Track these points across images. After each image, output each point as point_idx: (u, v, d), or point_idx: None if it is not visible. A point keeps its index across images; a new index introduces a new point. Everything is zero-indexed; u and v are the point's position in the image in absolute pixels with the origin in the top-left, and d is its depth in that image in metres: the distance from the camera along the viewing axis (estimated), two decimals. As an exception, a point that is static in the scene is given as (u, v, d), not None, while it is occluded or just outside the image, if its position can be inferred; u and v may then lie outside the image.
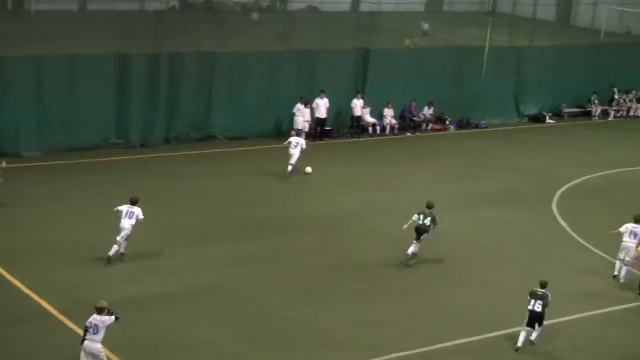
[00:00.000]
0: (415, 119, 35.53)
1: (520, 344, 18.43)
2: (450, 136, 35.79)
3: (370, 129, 34.64)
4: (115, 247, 20.67)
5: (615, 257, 22.47)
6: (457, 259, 22.85)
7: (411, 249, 22.19)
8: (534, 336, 18.61)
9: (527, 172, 31.00)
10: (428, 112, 35.87)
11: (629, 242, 22.07)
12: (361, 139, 34.03)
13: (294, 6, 45.74)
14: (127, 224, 20.65)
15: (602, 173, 31.50)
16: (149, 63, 30.27)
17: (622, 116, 40.64)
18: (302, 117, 32.48)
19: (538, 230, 25.49)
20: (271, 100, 32.60)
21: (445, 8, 40.74)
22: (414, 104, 35.41)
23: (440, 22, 39.16)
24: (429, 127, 35.97)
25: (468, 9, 41.25)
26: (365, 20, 37.64)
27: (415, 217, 22.19)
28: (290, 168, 28.10)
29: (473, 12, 40.74)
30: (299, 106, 32.39)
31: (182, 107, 31.19)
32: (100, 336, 15.50)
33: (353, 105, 34.07)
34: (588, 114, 39.97)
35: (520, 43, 38.93)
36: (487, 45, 37.63)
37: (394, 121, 34.98)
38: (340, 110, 34.27)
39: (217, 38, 35.81)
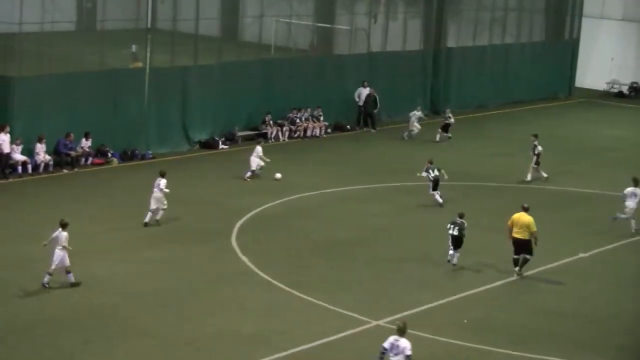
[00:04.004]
0: (72, 153, 35.54)
1: (453, 260, 27.39)
2: (113, 170, 36.16)
3: (20, 168, 34.20)
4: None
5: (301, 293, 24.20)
6: (122, 308, 23.37)
7: None
8: (455, 260, 27.28)
9: (202, 205, 32.07)
10: (86, 144, 36.02)
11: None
12: (9, 180, 33.52)
13: None
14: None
15: (280, 200, 33.30)
16: None
17: (298, 136, 43.01)
18: None
19: (218, 268, 26.60)
20: None
21: (99, 26, 40.92)
22: (70, 136, 35.40)
23: (94, 41, 39.30)
24: (89, 162, 36.14)
25: (124, 26, 41.73)
26: (3, 43, 37.04)
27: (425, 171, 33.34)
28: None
29: (129, 30, 41.29)
30: None
31: None
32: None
33: (0, 142, 33.55)
34: (263, 136, 41.84)
35: (184, 62, 40.12)
36: (147, 66, 38.45)
37: (47, 157, 34.78)
38: (-17, 149, 33.59)
39: None
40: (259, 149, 35.88)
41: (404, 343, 18.17)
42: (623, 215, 31.79)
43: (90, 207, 31.19)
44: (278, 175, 35.84)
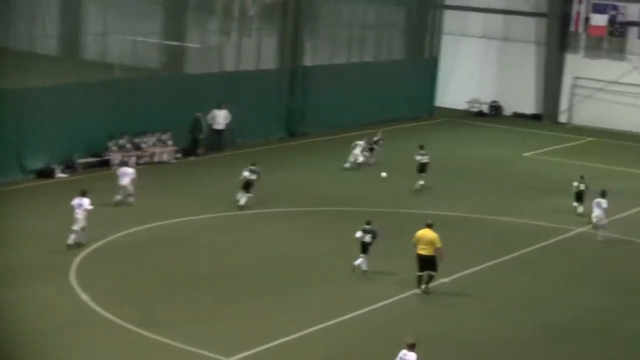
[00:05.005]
0: None
1: (356, 263, 28.68)
2: None
3: None
4: None
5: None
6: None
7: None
8: (364, 264, 28.69)
9: (36, 239, 30.62)
10: None
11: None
12: None
13: None
14: None
15: (126, 231, 32.18)
16: None
17: (145, 162, 41.76)
18: None
19: (53, 309, 25.31)
20: None
21: None
22: None
23: None
24: None
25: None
26: None
27: None
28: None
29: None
30: None
31: None
32: None
33: None
34: (106, 163, 40.57)
35: (17, 84, 38.38)
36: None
37: None
38: None
39: None
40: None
41: (412, 357, 19.71)
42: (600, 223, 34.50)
43: None
44: (383, 174, 38.25)
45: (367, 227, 28.92)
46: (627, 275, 31.67)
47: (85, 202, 30.18)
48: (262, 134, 48.85)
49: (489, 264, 31.36)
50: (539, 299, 28.73)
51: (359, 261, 28.92)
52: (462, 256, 31.11)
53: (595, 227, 34.63)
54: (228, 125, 45.81)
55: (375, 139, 45.45)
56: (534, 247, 33.54)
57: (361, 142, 44.38)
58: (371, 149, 44.94)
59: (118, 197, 34.68)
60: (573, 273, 31.49)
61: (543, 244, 34.07)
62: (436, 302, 27.72)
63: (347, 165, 43.70)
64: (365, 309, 26.58)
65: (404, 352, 20.01)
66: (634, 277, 31.59)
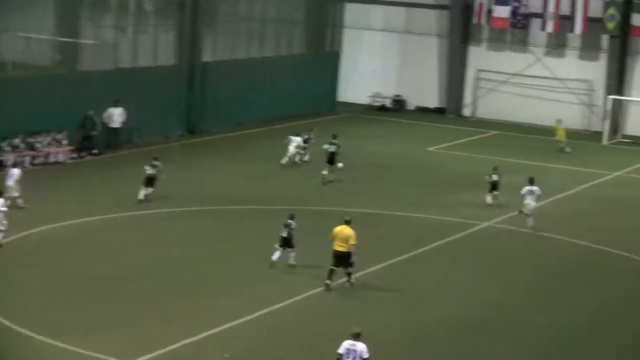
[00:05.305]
0: None
1: (275, 258, 29.13)
2: None
3: None
4: None
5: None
6: None
7: None
8: (291, 260, 29.21)
9: None
10: None
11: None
12: None
13: None
14: None
15: (23, 233, 31.54)
16: None
17: (40, 163, 41.13)
18: None
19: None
20: None
21: None
22: None
23: None
24: None
25: None
26: None
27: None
28: None
29: None
30: None
31: None
32: None
33: None
34: (-1, 164, 39.94)
35: None
36: None
37: None
38: None
39: None
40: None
41: (360, 347, 20.07)
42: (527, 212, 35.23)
43: None
44: (340, 165, 40.35)
45: (288, 221, 29.48)
46: (536, 270, 31.99)
47: (1, 202, 29.98)
48: (161, 131, 48.35)
49: (396, 260, 31.43)
50: (446, 295, 28.88)
51: (275, 255, 29.40)
52: (370, 253, 31.03)
53: (528, 214, 35.26)
54: (124, 123, 45.28)
55: (306, 136, 44.93)
56: (441, 242, 33.74)
57: (298, 138, 44.13)
58: (304, 147, 44.47)
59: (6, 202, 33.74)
60: (481, 268, 31.72)
61: (450, 238, 34.31)
62: (343, 298, 27.71)
63: (285, 161, 43.56)
64: (270, 308, 26.37)
65: (350, 343, 20.24)
66: (542, 271, 31.94)
